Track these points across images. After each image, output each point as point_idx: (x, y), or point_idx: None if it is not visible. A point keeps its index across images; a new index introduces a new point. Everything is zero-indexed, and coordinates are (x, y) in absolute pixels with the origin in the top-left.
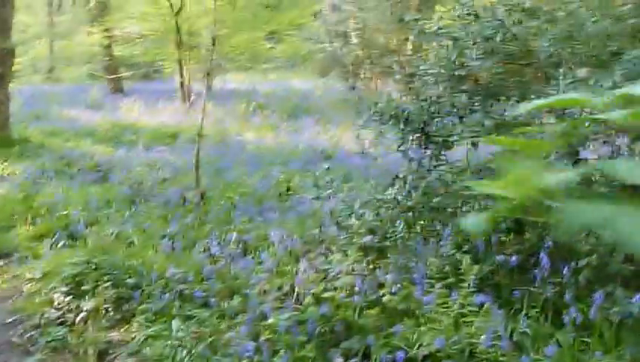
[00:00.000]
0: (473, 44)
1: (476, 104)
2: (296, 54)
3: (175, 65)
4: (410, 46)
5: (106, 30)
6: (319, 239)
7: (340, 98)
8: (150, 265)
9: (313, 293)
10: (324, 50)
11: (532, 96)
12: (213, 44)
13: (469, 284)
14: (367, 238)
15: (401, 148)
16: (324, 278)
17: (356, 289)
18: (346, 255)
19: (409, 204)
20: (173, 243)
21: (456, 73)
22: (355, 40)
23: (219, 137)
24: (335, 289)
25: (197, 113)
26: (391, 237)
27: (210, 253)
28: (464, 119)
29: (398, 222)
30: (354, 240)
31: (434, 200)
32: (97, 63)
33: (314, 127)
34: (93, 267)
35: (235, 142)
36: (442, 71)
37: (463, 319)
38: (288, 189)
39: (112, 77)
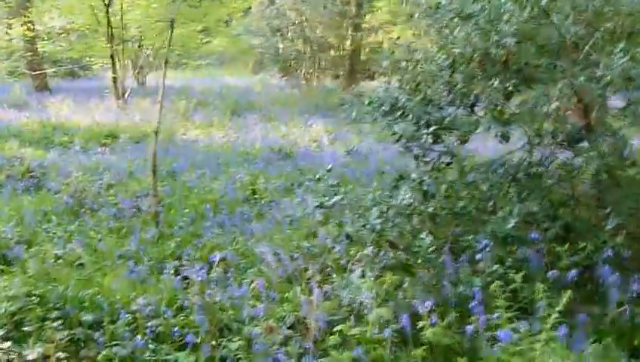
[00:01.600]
0: (492, 20)
1: (509, 88)
2: (234, 50)
3: (106, 60)
4: (349, 41)
5: (29, 24)
6: (314, 254)
7: (285, 94)
8: (110, 296)
9: (340, 331)
10: (261, 45)
11: (582, 79)
12: (172, 29)
13: (557, 311)
14: (378, 252)
15: (404, 144)
16: (339, 306)
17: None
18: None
19: (429, 210)
20: (135, 264)
21: (491, 52)
22: (293, 35)
23: (165, 136)
24: (352, 316)
25: (134, 111)
26: (418, 251)
27: (184, 276)
28: (476, 108)
29: (422, 232)
30: (368, 254)
31: (459, 205)
32: (19, 60)
33: (261, 124)
34: (37, 301)
35: (183, 142)
36: (468, 49)
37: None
38: (254, 192)
39: (36, 73)
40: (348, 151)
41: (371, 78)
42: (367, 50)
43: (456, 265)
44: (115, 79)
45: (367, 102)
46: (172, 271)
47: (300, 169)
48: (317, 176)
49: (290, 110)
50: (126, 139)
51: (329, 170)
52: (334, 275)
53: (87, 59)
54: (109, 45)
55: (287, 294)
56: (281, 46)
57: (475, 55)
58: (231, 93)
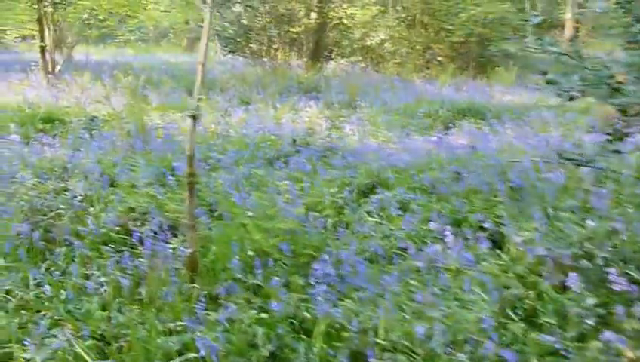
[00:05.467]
0: None
1: None
2: (166, 24)
3: (29, 27)
4: (314, 15)
5: None
6: None
7: (246, 73)
8: None
9: None
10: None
11: None
12: None
13: None
14: None
15: None
16: None
17: None
18: None
19: None
20: None
21: None
22: (241, 7)
23: (132, 121)
24: None
25: (72, 89)
26: None
27: None
28: None
29: None
30: None
31: None
32: None
33: (240, 107)
34: None
35: (154, 130)
36: None
37: None
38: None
39: None
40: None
41: (329, 58)
42: (331, 25)
43: None
44: (43, 49)
45: None
46: None
47: (353, 167)
48: None
49: (264, 91)
50: (81, 124)
51: None
52: None
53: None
54: (34, 7)
55: None
56: (228, 20)
57: None
58: (179, 71)
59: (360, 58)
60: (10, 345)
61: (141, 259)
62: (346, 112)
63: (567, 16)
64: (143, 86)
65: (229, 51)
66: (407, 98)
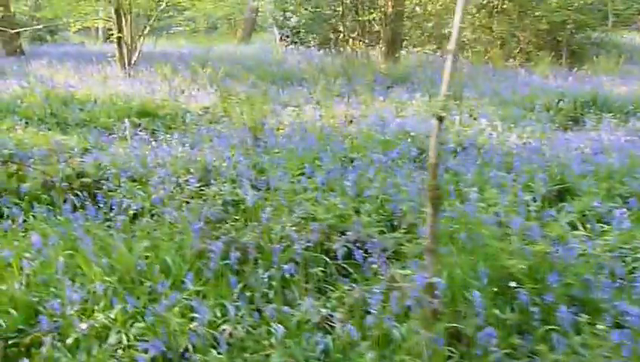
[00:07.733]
0: None
1: None
2: (221, 14)
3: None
4: (390, 2)
5: None
6: None
7: (321, 64)
8: None
9: None
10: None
11: None
12: None
13: None
14: None
15: None
16: None
17: None
18: None
19: None
20: None
21: None
22: None
23: (250, 122)
24: None
25: (154, 81)
26: None
27: None
28: None
29: None
30: None
31: None
32: None
33: (338, 100)
34: None
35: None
36: None
37: None
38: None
39: (16, 31)
40: None
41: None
42: (407, 13)
43: None
44: (120, 40)
45: None
46: None
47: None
48: None
49: (351, 83)
50: (191, 119)
51: None
52: None
53: (65, 19)
54: None
55: None
56: (291, 9)
57: None
58: (249, 61)
59: (434, 47)
60: None
61: (365, 286)
62: (453, 104)
63: None
64: (223, 78)
65: (291, 42)
66: (514, 89)
